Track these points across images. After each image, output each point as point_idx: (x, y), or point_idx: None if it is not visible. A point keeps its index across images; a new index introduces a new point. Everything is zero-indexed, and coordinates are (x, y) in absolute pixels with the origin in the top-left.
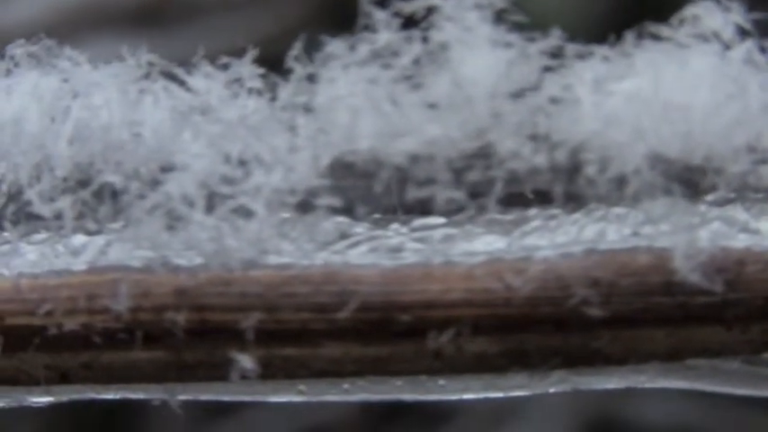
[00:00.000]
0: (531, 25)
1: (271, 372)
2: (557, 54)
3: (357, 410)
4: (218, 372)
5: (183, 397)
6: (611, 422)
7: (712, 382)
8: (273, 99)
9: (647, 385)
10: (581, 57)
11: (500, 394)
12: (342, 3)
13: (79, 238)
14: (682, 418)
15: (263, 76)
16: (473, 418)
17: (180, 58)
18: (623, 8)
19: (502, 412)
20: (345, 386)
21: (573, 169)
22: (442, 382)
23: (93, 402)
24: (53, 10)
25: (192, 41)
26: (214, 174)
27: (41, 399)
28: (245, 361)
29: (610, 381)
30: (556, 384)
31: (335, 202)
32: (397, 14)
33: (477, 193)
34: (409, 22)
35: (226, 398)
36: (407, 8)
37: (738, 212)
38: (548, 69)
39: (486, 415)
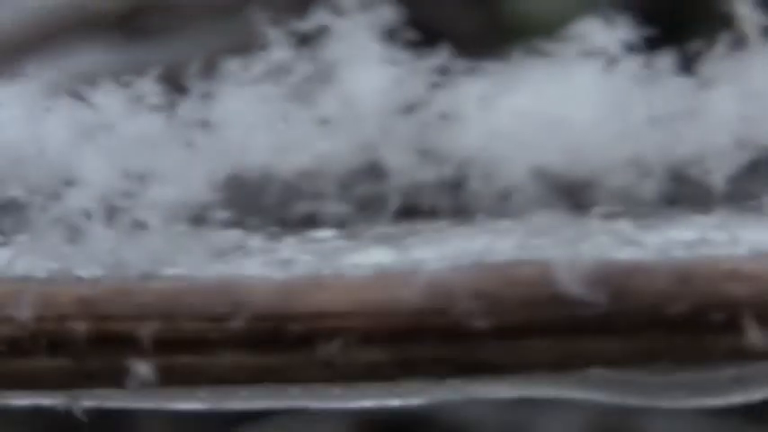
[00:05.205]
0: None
1: (169, 379)
2: (444, 71)
3: (355, 426)
4: (119, 379)
5: (87, 403)
6: None
7: (606, 392)
8: (172, 115)
9: (542, 395)
10: (468, 73)
11: (397, 402)
12: None
13: None
14: None
15: (163, 94)
16: None
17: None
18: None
19: (516, 428)
20: (244, 393)
21: (460, 183)
22: (337, 390)
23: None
24: (33, 16)
25: (175, 48)
26: (113, 188)
27: None
28: (143, 368)
29: (501, 390)
30: (450, 393)
31: (230, 215)
32: (290, 33)
33: (366, 206)
34: (303, 41)
35: (132, 405)
36: (301, 27)
37: (623, 225)
38: (436, 86)
39: (500, 430)
